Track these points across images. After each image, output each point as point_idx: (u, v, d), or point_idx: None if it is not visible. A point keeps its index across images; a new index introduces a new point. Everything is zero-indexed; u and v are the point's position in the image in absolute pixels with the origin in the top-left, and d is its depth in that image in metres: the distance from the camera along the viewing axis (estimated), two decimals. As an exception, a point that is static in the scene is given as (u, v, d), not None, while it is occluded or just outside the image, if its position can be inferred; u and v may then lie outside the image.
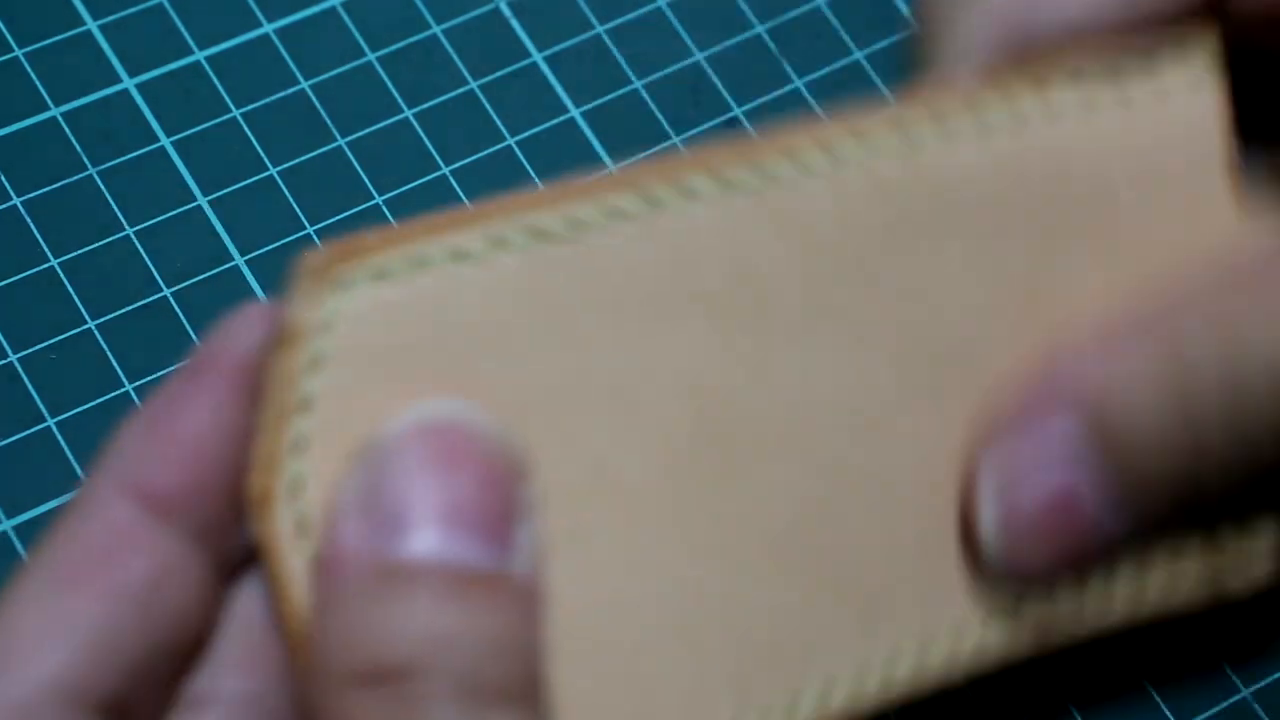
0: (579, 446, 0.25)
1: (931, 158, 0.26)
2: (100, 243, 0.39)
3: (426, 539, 0.22)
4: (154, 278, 0.39)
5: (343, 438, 0.23)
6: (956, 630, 0.26)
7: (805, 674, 0.25)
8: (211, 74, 0.41)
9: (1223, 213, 0.28)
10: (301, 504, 0.23)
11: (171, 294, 0.39)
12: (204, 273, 0.39)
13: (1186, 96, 0.28)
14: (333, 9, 0.42)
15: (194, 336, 0.38)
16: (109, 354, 0.38)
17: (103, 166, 0.40)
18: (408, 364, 0.24)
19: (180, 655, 0.24)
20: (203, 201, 0.40)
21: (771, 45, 0.43)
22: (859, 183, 0.26)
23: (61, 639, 0.23)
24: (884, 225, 0.26)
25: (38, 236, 0.39)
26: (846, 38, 0.43)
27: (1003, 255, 0.26)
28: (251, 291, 0.38)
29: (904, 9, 0.44)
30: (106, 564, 0.23)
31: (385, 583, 0.22)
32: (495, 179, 0.40)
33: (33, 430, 0.37)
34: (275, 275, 0.39)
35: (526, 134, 0.41)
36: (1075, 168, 0.27)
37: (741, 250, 0.25)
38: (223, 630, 0.24)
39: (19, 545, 0.36)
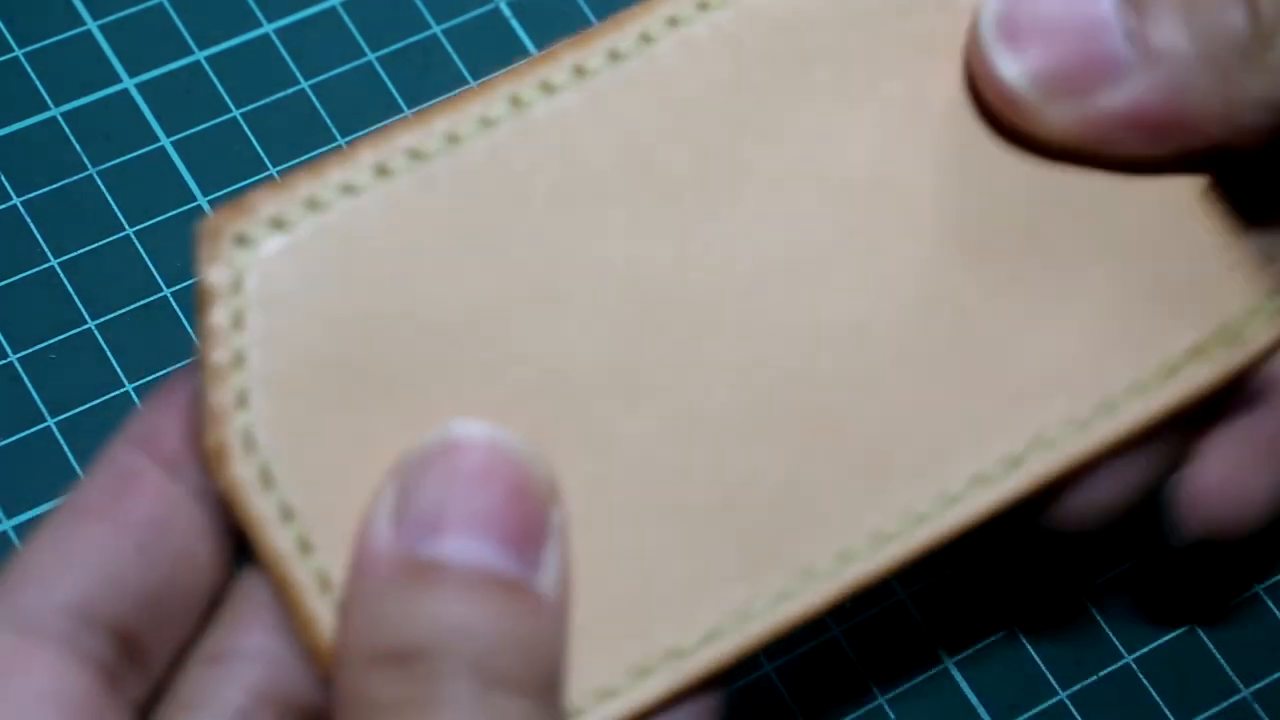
0: (526, 354, 0.25)
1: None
2: (100, 243, 0.39)
3: (459, 544, 0.23)
4: (154, 278, 0.39)
5: (281, 381, 0.24)
6: (975, 478, 0.25)
7: (816, 548, 0.25)
8: (211, 73, 0.41)
9: None
10: (259, 455, 0.24)
11: (171, 294, 0.39)
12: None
13: None
14: (333, 9, 0.42)
15: (194, 336, 0.38)
16: (109, 354, 0.38)
17: (102, 166, 0.40)
18: (328, 301, 0.24)
19: (190, 600, 0.25)
20: (202, 201, 0.39)
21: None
22: (707, 37, 0.26)
23: (72, 563, 0.24)
24: (745, 72, 0.26)
25: (38, 236, 0.39)
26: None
27: (870, 68, 0.26)
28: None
29: None
30: (116, 501, 0.24)
31: (415, 576, 0.23)
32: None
33: (33, 430, 0.37)
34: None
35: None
36: None
37: (621, 127, 0.26)
38: (245, 590, 0.25)
39: (19, 545, 0.36)
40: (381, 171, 0.25)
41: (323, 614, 0.24)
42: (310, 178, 0.25)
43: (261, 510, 0.24)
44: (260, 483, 0.24)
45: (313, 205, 0.25)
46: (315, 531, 0.24)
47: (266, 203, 0.24)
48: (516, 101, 0.25)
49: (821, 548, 0.25)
